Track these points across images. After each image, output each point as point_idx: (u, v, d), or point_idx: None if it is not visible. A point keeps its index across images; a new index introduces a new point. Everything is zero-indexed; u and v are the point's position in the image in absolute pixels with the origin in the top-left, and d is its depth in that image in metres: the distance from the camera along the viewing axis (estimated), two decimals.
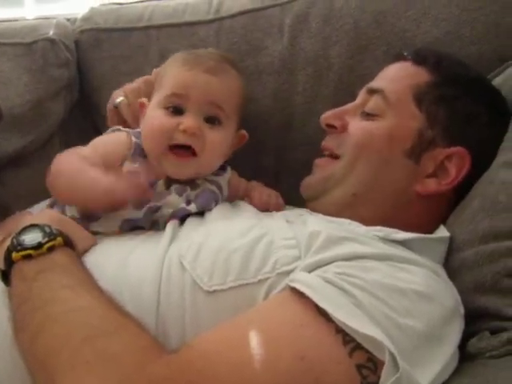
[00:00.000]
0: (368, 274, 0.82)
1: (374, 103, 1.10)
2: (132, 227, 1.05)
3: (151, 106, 1.12)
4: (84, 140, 1.15)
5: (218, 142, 1.10)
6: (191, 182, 1.11)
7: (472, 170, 1.04)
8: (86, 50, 1.42)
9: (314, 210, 1.11)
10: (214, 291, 0.86)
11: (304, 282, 0.81)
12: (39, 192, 1.21)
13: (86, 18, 1.45)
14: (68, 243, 0.91)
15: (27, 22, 1.54)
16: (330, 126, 1.15)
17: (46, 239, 0.88)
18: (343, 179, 1.09)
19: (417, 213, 1.06)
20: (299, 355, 0.75)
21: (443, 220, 1.05)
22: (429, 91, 1.07)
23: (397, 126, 1.06)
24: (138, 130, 1.14)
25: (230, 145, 1.15)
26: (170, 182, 1.10)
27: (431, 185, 1.05)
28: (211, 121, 1.09)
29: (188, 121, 1.06)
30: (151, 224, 1.06)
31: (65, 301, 0.82)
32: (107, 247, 0.99)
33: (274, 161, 1.35)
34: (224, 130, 1.11)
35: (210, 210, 1.08)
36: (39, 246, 0.88)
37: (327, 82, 1.30)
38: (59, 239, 0.90)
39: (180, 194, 1.08)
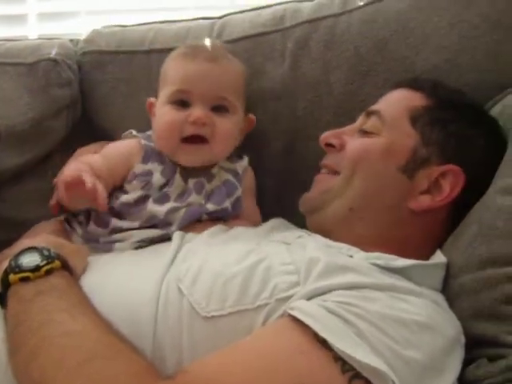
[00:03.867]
0: (369, 304, 0.82)
1: (371, 123, 1.13)
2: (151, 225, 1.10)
3: (159, 103, 1.18)
4: None
5: (227, 129, 1.15)
6: (207, 174, 1.16)
7: (467, 191, 1.05)
8: (88, 72, 1.42)
9: (313, 224, 1.13)
10: (212, 317, 0.86)
11: (304, 310, 0.81)
12: (38, 207, 1.24)
13: (88, 40, 1.45)
14: (66, 266, 0.91)
15: (30, 41, 1.54)
16: (328, 144, 1.17)
17: (45, 262, 0.89)
18: (341, 193, 1.10)
19: (412, 232, 1.07)
20: (297, 383, 0.75)
21: (439, 244, 1.06)
22: (424, 113, 1.10)
23: (392, 142, 1.09)
24: (148, 133, 1.20)
25: (239, 130, 1.20)
26: (185, 174, 1.14)
27: (425, 201, 1.06)
28: (218, 110, 1.14)
29: (196, 112, 1.11)
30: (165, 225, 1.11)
31: (61, 324, 0.82)
32: (107, 266, 1.00)
33: (275, 183, 1.35)
34: (232, 117, 1.16)
35: (224, 208, 1.14)
36: (37, 268, 0.88)
37: (327, 106, 1.30)
38: (57, 262, 0.90)
39: (199, 192, 1.13)
